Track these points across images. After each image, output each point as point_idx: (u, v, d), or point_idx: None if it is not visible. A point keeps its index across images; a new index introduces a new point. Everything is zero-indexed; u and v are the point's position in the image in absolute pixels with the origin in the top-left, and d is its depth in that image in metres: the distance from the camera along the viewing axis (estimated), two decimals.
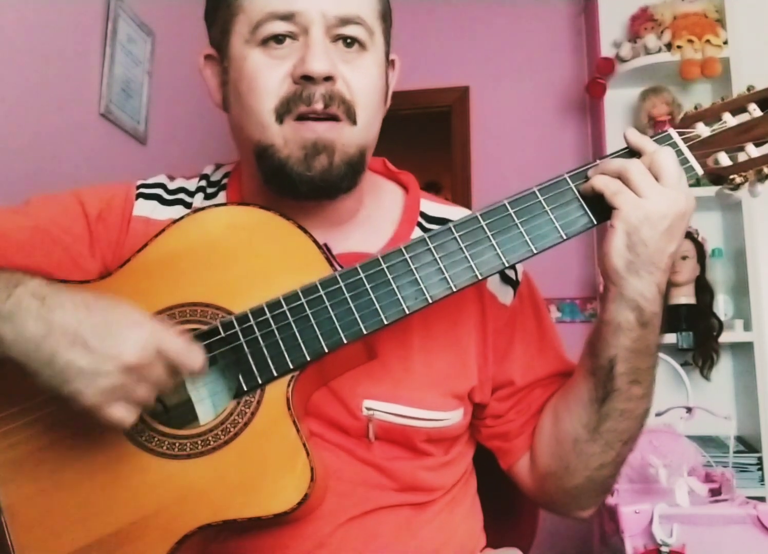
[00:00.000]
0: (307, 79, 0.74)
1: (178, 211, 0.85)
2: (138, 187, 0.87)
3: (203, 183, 0.89)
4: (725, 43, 2.34)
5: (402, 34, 3.10)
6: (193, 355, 0.66)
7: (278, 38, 0.76)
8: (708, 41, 2.31)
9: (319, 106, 0.74)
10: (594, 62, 2.61)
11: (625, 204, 0.70)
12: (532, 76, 2.91)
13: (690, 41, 2.32)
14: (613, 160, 0.74)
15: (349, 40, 0.77)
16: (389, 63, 0.86)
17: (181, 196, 0.88)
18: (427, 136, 3.77)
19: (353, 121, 0.77)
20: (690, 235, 2.30)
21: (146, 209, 0.85)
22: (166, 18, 2.14)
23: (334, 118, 0.75)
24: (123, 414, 0.63)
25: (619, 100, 2.53)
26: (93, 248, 0.82)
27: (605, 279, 0.74)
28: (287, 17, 0.75)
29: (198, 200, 0.87)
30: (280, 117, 0.75)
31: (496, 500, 0.95)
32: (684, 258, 2.28)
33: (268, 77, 0.76)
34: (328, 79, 0.74)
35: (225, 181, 0.89)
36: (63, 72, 1.70)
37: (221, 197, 0.87)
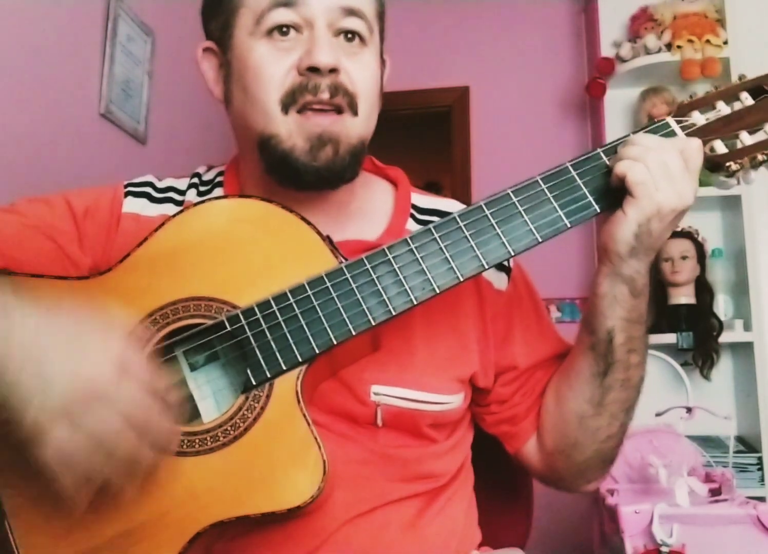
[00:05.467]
0: (314, 70, 0.76)
1: (168, 208, 0.85)
2: (126, 186, 0.87)
3: (195, 180, 0.89)
4: (725, 43, 2.34)
5: (403, 34, 3.12)
6: (160, 380, 0.65)
7: (282, 29, 0.77)
8: (708, 41, 2.32)
9: (325, 95, 0.76)
10: (594, 62, 2.61)
11: (644, 196, 0.71)
12: (532, 76, 2.91)
13: (690, 41, 2.33)
14: (632, 147, 0.73)
15: (350, 35, 0.79)
16: (382, 62, 0.87)
17: (171, 194, 0.88)
18: (427, 136, 3.77)
19: (355, 112, 0.78)
20: (690, 235, 2.30)
21: (136, 206, 0.85)
22: (166, 18, 2.14)
23: (337, 109, 0.77)
24: (65, 435, 0.57)
25: (619, 100, 2.53)
26: (82, 245, 0.82)
27: (603, 257, 0.76)
28: (291, 4, 0.77)
29: (191, 196, 0.87)
30: (285, 107, 0.77)
31: (491, 498, 0.95)
32: (684, 258, 2.27)
33: (274, 68, 0.77)
34: (333, 70, 0.76)
35: (219, 178, 0.89)
36: (63, 72, 1.69)
37: (217, 192, 0.87)
